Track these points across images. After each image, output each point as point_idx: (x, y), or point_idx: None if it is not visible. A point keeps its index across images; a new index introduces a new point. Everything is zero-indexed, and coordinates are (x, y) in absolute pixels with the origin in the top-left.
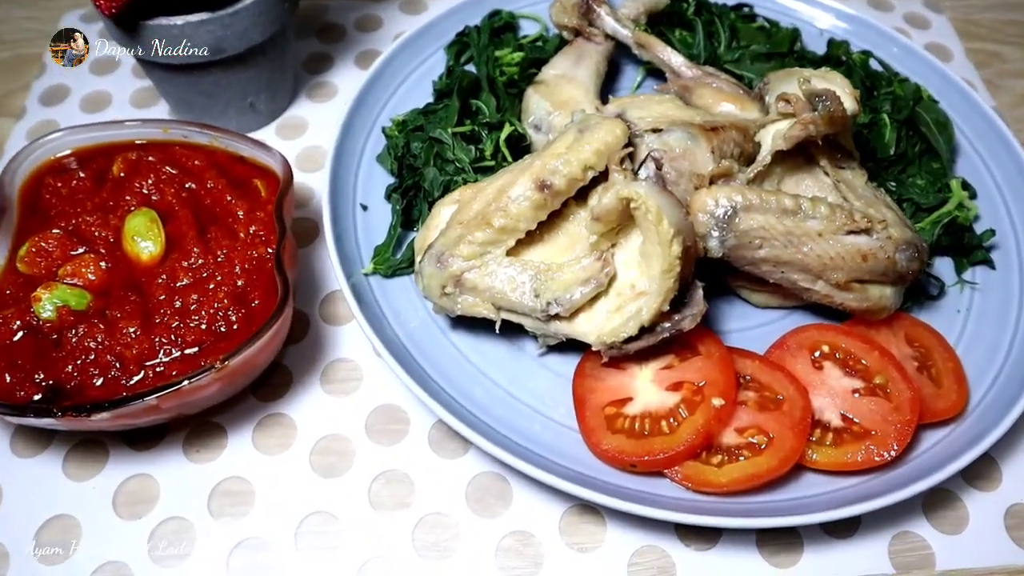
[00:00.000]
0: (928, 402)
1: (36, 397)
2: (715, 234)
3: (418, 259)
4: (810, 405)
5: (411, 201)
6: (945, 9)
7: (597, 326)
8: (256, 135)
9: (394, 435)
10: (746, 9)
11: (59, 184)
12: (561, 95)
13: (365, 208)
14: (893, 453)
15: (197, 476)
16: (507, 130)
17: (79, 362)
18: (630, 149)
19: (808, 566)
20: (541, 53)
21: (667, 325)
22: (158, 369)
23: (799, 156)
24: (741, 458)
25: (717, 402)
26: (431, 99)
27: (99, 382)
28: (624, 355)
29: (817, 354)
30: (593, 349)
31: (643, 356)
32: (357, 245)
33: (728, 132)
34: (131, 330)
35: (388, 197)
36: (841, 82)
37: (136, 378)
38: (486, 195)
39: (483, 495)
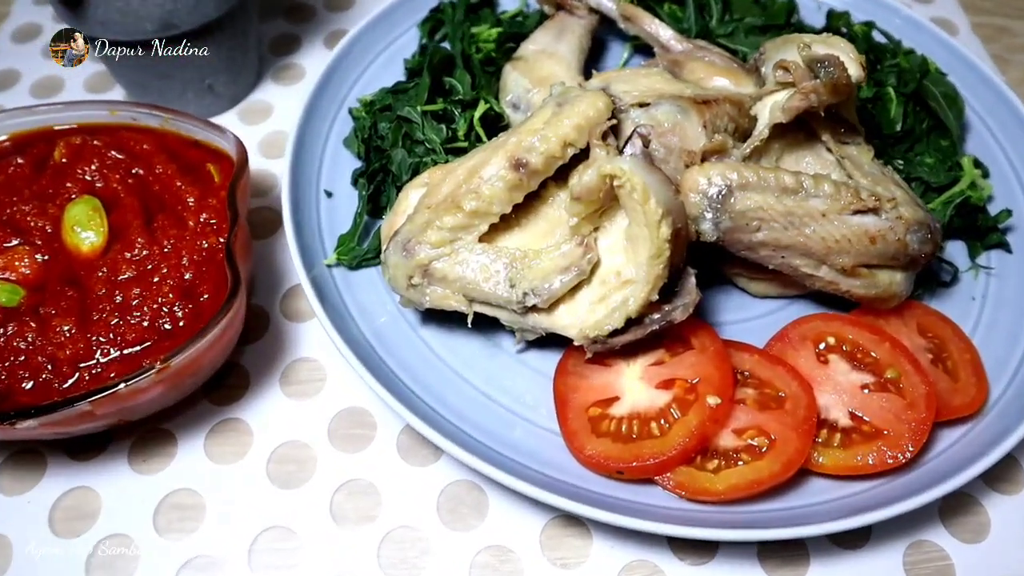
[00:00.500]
0: (944, 398)
1: None
2: (708, 216)
3: (384, 248)
4: (815, 403)
5: (379, 186)
6: None
7: (579, 318)
8: (216, 120)
9: (359, 441)
10: None
11: None
12: (541, 71)
13: (330, 195)
14: (908, 455)
15: (143, 489)
16: (482, 108)
17: (7, 364)
18: (613, 122)
19: None
20: (521, 28)
21: (656, 316)
22: (95, 371)
23: (799, 131)
24: (740, 463)
25: (712, 401)
26: (403, 79)
27: (29, 386)
28: (609, 350)
29: (822, 346)
30: (575, 344)
31: (630, 351)
32: (320, 235)
33: (721, 106)
34: (66, 328)
35: (354, 183)
36: (844, 47)
37: (70, 381)
38: (456, 176)
39: (456, 506)
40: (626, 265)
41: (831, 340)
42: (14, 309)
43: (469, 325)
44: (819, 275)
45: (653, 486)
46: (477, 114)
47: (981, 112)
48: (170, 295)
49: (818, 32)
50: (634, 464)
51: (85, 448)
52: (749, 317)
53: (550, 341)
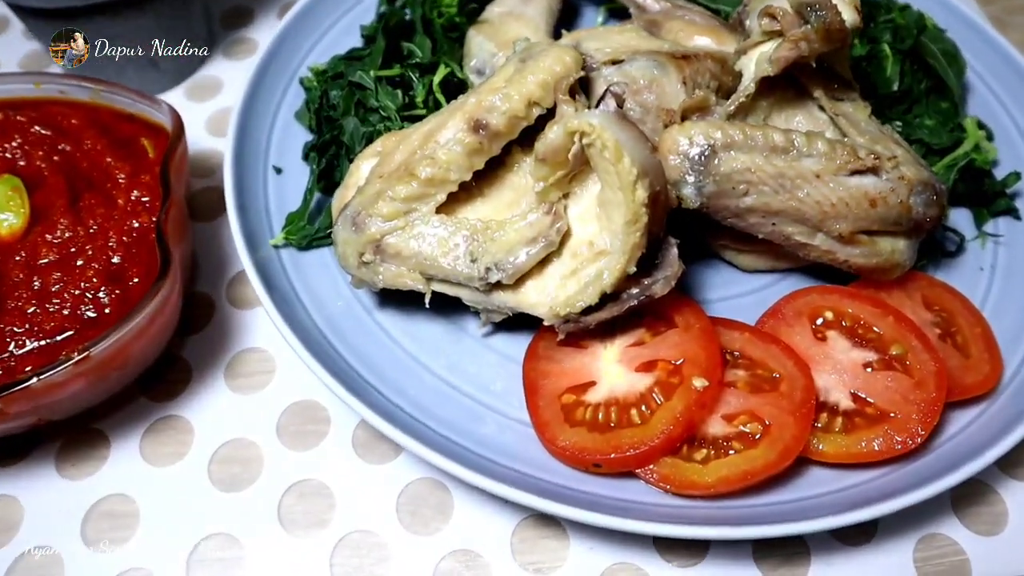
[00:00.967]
0: (955, 376)
1: None
2: (690, 179)
3: (334, 224)
4: (813, 384)
5: (332, 160)
6: None
7: (549, 295)
8: (162, 97)
9: (311, 438)
10: None
11: None
12: (507, 35)
13: (279, 171)
14: (918, 439)
15: (70, 495)
16: (442, 72)
17: None
18: (582, 73)
19: None
20: None
21: (635, 291)
22: (10, 364)
23: (788, 88)
24: (731, 452)
25: (699, 383)
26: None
27: None
28: (583, 330)
29: (819, 322)
30: (546, 324)
31: (607, 331)
32: (268, 215)
33: (703, 62)
34: None
35: (306, 157)
36: None
37: None
38: (411, 143)
39: (418, 507)
40: (599, 234)
41: (829, 315)
42: None
43: (427, 305)
44: (814, 244)
45: (635, 480)
46: (437, 79)
47: (983, 73)
48: (94, 280)
49: None
50: (613, 456)
51: (6, 452)
52: (738, 294)
53: (519, 323)
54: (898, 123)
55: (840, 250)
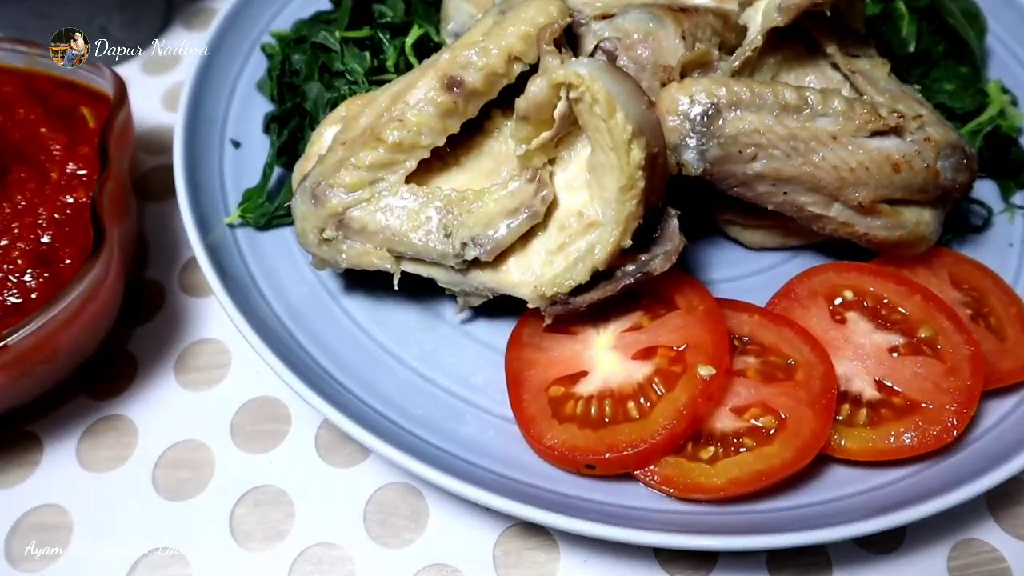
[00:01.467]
0: (990, 361)
1: None
2: (691, 142)
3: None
4: (833, 371)
5: (295, 132)
6: None
7: (533, 274)
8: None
9: (269, 438)
10: None
11: None
12: None
13: (237, 145)
14: (953, 433)
15: None
16: (415, 33)
17: None
18: (568, 20)
19: None
20: None
21: (631, 268)
22: None
23: (798, 43)
24: (742, 449)
25: (704, 372)
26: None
27: None
28: (573, 313)
29: (838, 302)
30: (530, 307)
31: (600, 314)
32: (223, 192)
33: (703, 16)
34: None
35: (267, 129)
36: None
37: None
38: (378, 105)
39: (388, 516)
40: (590, 203)
41: (848, 294)
42: None
43: (395, 287)
44: (830, 215)
45: (633, 483)
46: (409, 40)
47: (1003, 36)
48: (19, 261)
49: None
50: (608, 455)
51: None
52: (745, 274)
53: (501, 307)
54: (916, 87)
55: (859, 222)
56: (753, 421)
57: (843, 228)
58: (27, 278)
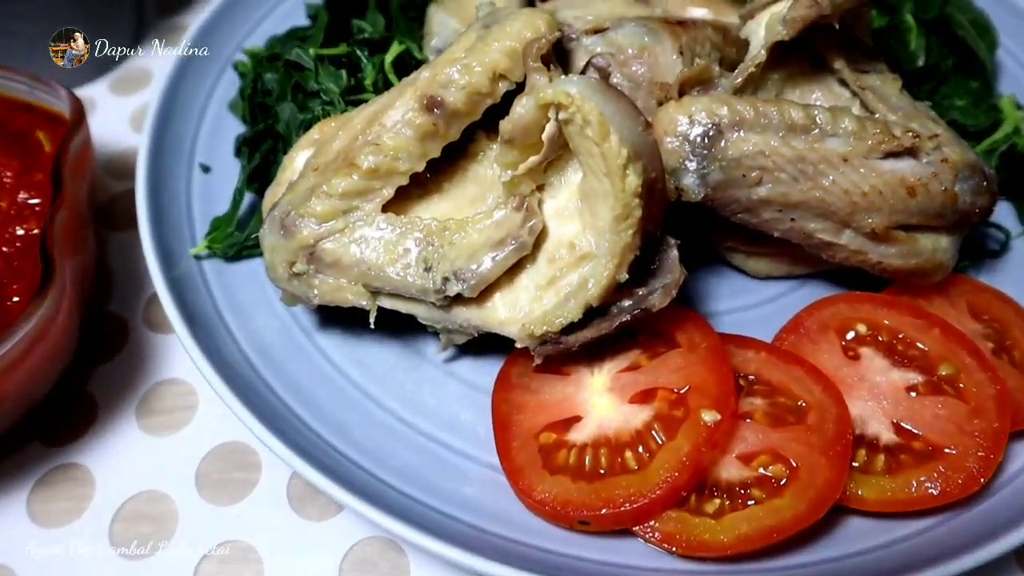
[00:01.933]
0: (1016, 400)
1: None
2: (691, 166)
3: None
4: (848, 414)
5: (267, 155)
6: None
7: (522, 311)
8: (83, 90)
9: (237, 488)
10: None
11: None
12: (471, 10)
13: (207, 170)
14: (980, 480)
15: None
16: (395, 50)
17: None
18: (557, 35)
19: None
20: None
21: (627, 304)
22: None
23: (803, 59)
24: (750, 502)
25: (709, 417)
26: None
27: None
28: (565, 352)
29: (850, 336)
30: (518, 346)
31: (594, 353)
32: (191, 221)
33: (701, 30)
34: None
35: (238, 152)
36: None
37: None
38: (352, 128)
39: (367, 574)
40: (582, 234)
41: (861, 328)
42: None
43: (371, 326)
44: (841, 243)
45: (632, 539)
46: (389, 58)
47: (1014, 49)
48: None
49: None
50: (604, 511)
51: None
52: (748, 305)
53: (488, 343)
54: (926, 103)
55: (872, 250)
56: (762, 470)
57: (855, 256)
58: None
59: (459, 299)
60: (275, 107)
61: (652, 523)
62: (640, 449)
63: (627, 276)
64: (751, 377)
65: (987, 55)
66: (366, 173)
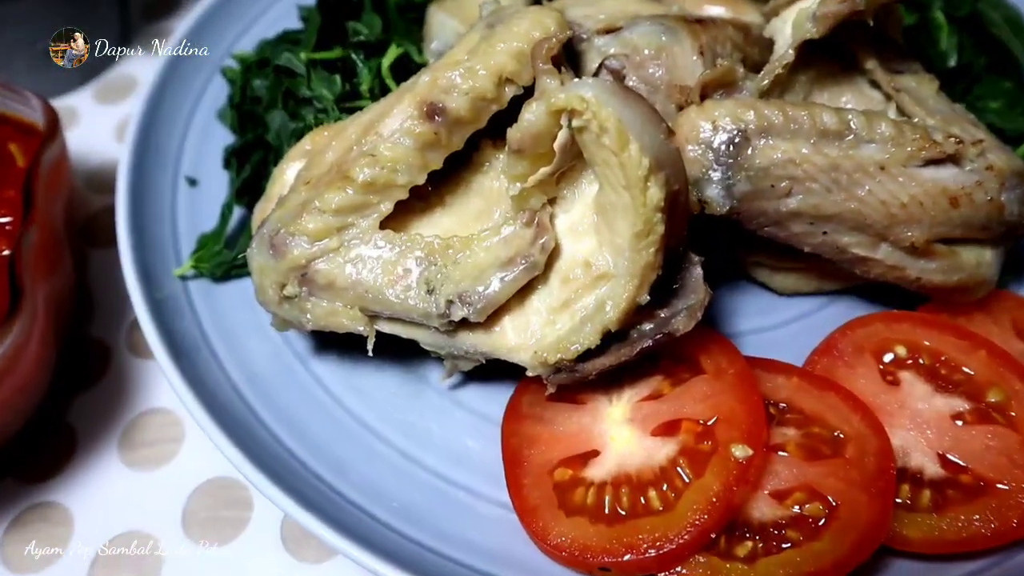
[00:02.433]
0: None
1: None
2: (716, 176)
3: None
4: (890, 446)
5: (257, 167)
6: None
7: (533, 336)
8: (64, 99)
9: (227, 528)
10: None
11: None
12: (474, 10)
13: (193, 183)
14: None
15: None
16: (393, 53)
17: None
18: (569, 34)
19: None
20: None
21: (648, 327)
22: None
23: (832, 60)
24: (785, 545)
25: (739, 452)
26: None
27: None
28: (581, 381)
29: (888, 359)
30: (530, 374)
31: (612, 380)
32: (175, 238)
33: (722, 29)
34: None
35: (227, 164)
36: None
37: None
38: (347, 137)
39: None
40: (599, 251)
41: (901, 350)
42: None
43: (370, 353)
44: (877, 257)
45: None
46: (386, 62)
47: None
48: None
49: None
50: (626, 557)
51: None
52: (776, 324)
53: (495, 371)
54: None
55: (911, 265)
56: (797, 508)
57: (891, 272)
58: None
59: (465, 324)
60: (264, 116)
61: (679, 569)
62: (665, 488)
63: (648, 297)
64: (782, 405)
65: (1022, 53)
66: (362, 187)
